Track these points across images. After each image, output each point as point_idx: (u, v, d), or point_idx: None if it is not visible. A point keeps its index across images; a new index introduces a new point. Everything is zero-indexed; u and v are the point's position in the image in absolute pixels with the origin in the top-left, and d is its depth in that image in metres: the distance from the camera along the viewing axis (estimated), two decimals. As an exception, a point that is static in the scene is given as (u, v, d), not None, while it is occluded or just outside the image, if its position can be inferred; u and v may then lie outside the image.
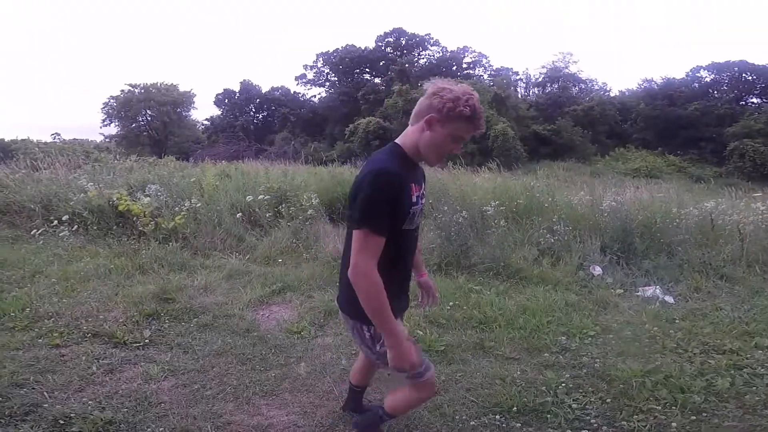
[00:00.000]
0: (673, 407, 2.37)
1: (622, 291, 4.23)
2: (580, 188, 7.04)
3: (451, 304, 3.65)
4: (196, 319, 3.38)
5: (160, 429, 2.18)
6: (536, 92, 45.19)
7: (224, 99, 49.53)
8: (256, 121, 50.08)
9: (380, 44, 49.19)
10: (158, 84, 44.33)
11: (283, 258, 4.74)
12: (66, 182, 6.52)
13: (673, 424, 2.25)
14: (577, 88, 43.24)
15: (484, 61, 48.25)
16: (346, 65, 48.29)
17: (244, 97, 49.68)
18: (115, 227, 5.30)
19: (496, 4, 79.71)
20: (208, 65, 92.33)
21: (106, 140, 38.01)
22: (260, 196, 5.53)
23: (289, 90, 50.63)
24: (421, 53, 49.34)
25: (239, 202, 5.72)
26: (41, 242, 5.17)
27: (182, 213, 5.14)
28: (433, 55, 49.21)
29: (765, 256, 4.89)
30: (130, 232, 5.22)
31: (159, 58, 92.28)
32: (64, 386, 2.46)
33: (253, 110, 50.84)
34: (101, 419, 2.17)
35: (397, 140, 1.63)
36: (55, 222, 5.27)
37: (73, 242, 5.06)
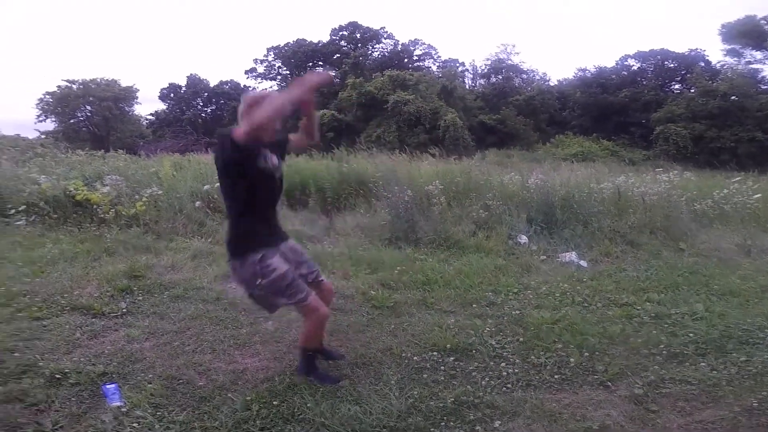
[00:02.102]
0: (573, 347, 2.89)
1: (545, 257, 4.88)
2: (514, 171, 7.79)
3: (398, 269, 4.16)
4: (167, 292, 3.68)
5: (149, 376, 2.50)
6: (482, 83, 46.64)
7: (169, 93, 47.84)
8: (205, 115, 48.66)
9: (335, 38, 48.91)
10: (98, 79, 42.12)
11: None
12: (14, 175, 6.44)
13: (572, 359, 2.76)
14: (519, 78, 44.96)
15: (433, 53, 49.17)
16: (298, 59, 47.67)
17: (191, 91, 48.14)
18: (73, 216, 5.40)
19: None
20: (152, 60, 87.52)
21: (42, 136, 35.65)
22: (216, 185, 5.77)
23: (238, 84, 49.44)
24: (375, 46, 49.52)
25: (198, 190, 5.94)
26: (-5, 232, 5.19)
27: (143, 200, 5.32)
28: (386, 48, 49.55)
29: (666, 223, 5.68)
30: (89, 220, 5.34)
31: (98, 53, 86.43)
32: (53, 350, 2.72)
33: (201, 104, 49.39)
34: (94, 372, 2.47)
35: None
36: (13, 211, 5.29)
37: (31, 231, 5.13)
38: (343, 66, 44.10)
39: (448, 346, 2.92)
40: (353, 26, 48.77)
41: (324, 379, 2.49)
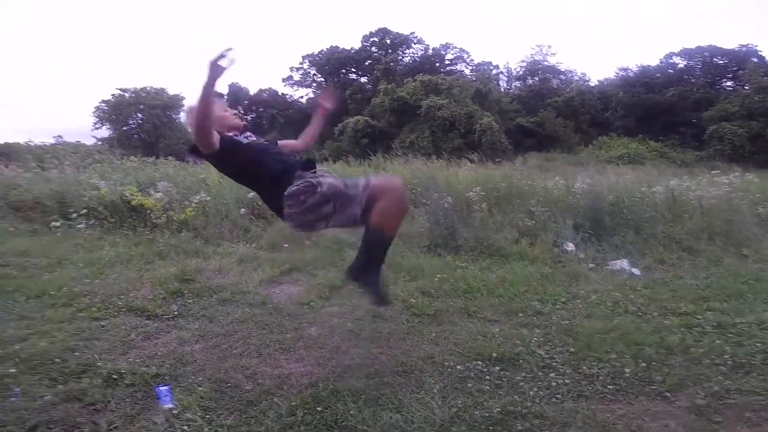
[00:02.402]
0: (628, 357, 2.74)
1: (594, 265, 4.65)
2: (558, 175, 7.52)
3: (438, 277, 4.08)
4: (216, 296, 3.77)
5: (199, 379, 2.55)
6: (517, 85, 45.70)
7: None
8: (245, 123, 49.97)
9: (366, 44, 49.36)
10: (147, 88, 44.38)
11: (287, 245, 5.15)
12: (76, 180, 6.86)
13: (627, 370, 2.61)
14: (557, 79, 43.75)
15: (466, 56, 48.66)
16: (332, 66, 48.45)
17: (233, 99, 49.55)
18: (129, 220, 5.68)
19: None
20: (195, 69, 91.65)
21: (98, 143, 37.92)
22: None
23: (276, 91, 50.79)
24: (405, 51, 49.59)
25: (243, 197, 6.08)
26: (59, 234, 5.55)
27: (192, 206, 5.52)
28: (417, 53, 49.52)
29: (727, 228, 5.30)
30: (143, 224, 5.60)
31: (147, 62, 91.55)
32: (109, 350, 2.83)
33: (242, 112, 50.41)
34: (148, 373, 2.54)
35: None
36: (75, 215, 5.64)
37: (91, 234, 5.44)
38: (375, 72, 44.41)
39: (494, 355, 2.81)
40: (383, 32, 49.01)
41: (375, 293, 2.26)
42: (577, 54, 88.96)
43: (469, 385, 2.51)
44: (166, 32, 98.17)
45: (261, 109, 49.57)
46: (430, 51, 48.62)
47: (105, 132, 44.75)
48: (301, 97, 50.77)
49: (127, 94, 43.49)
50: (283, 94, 50.71)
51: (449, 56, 48.79)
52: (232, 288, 3.95)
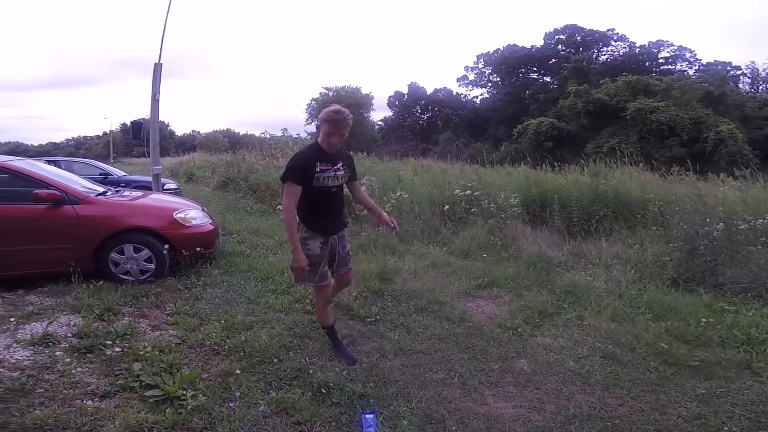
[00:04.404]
0: None
1: None
2: None
3: (704, 321, 2.96)
4: (412, 302, 3.44)
5: (402, 408, 2.17)
6: (766, 88, 35.68)
7: (395, 101, 50.92)
8: (422, 122, 50.85)
9: (550, 42, 45.09)
10: (346, 87, 48.63)
11: (481, 253, 4.58)
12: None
13: None
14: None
15: (688, 55, 40.10)
16: (509, 65, 45.59)
17: (412, 98, 50.65)
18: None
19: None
20: (382, 68, 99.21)
21: (308, 137, 43.37)
22: (456, 191, 5.44)
23: (451, 91, 50.25)
24: (601, 49, 43.68)
25: (435, 196, 5.73)
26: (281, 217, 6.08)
27: (391, 202, 5.42)
28: (617, 51, 43.05)
29: None
30: (347, 214, 5.73)
31: (344, 62, 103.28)
32: (319, 353, 2.66)
33: (419, 111, 51.52)
34: (354, 392, 2.26)
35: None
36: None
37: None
38: (562, 71, 40.17)
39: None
40: (571, 29, 43.93)
41: (340, 356, 2.62)
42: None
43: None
44: (359, 33, 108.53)
45: (436, 109, 49.95)
46: (637, 49, 41.68)
47: (313, 128, 51.04)
48: (476, 97, 49.59)
49: (330, 93, 48.35)
50: (457, 93, 50.26)
51: (664, 54, 40.96)
52: (428, 295, 3.56)
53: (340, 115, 2.35)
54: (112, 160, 29.62)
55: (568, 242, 4.64)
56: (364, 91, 47.01)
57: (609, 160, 7.03)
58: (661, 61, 40.71)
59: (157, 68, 5.82)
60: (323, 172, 2.39)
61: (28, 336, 2.72)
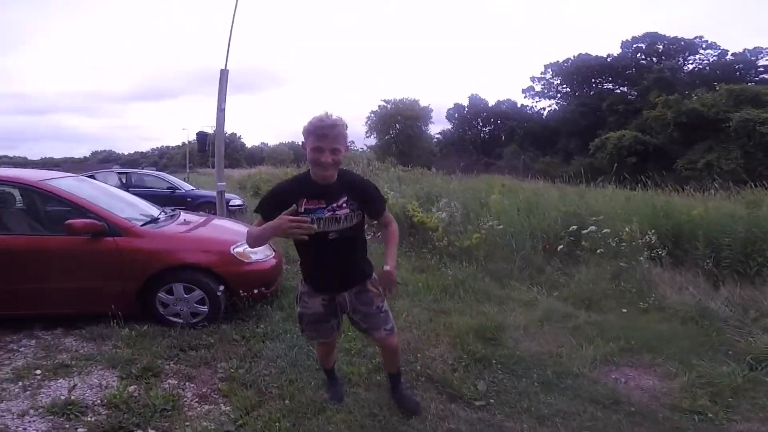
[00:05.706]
0: None
1: None
2: None
3: None
4: (535, 374, 2.49)
5: None
6: None
7: (454, 113, 49.31)
8: (483, 135, 49.16)
9: (627, 50, 41.79)
10: (404, 99, 47.75)
11: (609, 303, 3.50)
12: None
13: None
14: None
15: None
16: (581, 75, 42.74)
17: (473, 111, 49.01)
18: (408, 238, 5.05)
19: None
20: (441, 80, 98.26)
21: (366, 149, 42.93)
22: (572, 227, 4.26)
23: (515, 103, 48.17)
24: (687, 58, 39.85)
25: (535, 227, 4.66)
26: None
27: (480, 232, 4.43)
28: (707, 59, 39.06)
29: None
30: (421, 244, 4.88)
31: (404, 74, 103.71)
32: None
33: (480, 124, 49.77)
34: None
35: None
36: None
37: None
38: (643, 81, 36.95)
39: None
40: (652, 37, 40.44)
41: (331, 393, 2.26)
42: None
43: None
44: (419, 45, 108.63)
45: (499, 122, 47.96)
46: (728, 57, 37.61)
47: (372, 140, 50.82)
48: (543, 108, 47.06)
49: (389, 106, 47.71)
50: (522, 105, 47.98)
51: (763, 62, 36.61)
52: (553, 364, 2.61)
53: (325, 121, 1.65)
54: (188, 170, 30.92)
55: (723, 289, 3.49)
56: (422, 103, 45.76)
57: (705, 178, 5.72)
58: (760, 69, 36.26)
59: (224, 75, 5.34)
60: (313, 212, 1.72)
61: (49, 400, 2.15)
